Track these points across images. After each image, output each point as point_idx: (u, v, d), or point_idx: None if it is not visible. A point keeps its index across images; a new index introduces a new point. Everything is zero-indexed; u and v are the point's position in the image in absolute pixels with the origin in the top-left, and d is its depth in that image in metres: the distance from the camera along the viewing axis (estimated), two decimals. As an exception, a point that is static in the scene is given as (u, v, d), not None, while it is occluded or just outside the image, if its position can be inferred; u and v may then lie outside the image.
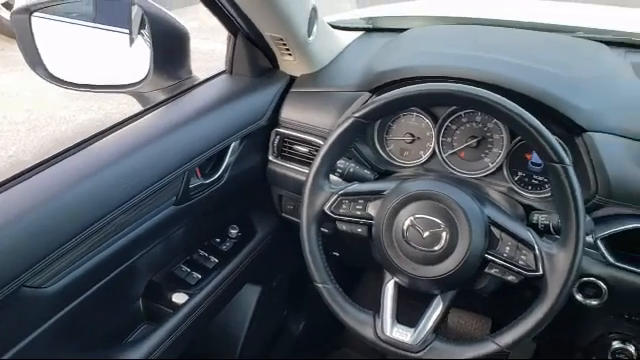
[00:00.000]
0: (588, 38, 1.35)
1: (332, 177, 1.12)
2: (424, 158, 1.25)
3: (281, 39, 1.25)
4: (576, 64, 1.19)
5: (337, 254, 1.52)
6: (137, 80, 1.23)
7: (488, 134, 1.19)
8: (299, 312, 1.83)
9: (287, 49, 1.29)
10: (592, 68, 1.19)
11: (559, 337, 1.35)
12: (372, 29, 1.51)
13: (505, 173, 1.18)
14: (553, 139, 0.92)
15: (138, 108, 1.22)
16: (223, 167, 1.25)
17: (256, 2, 1.14)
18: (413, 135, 1.26)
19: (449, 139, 1.23)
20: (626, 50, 1.32)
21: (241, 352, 1.54)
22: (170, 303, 1.22)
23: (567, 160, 0.91)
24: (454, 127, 1.22)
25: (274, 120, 1.33)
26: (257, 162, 1.36)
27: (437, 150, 1.23)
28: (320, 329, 1.86)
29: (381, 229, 1.01)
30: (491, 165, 1.19)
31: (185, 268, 1.29)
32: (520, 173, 1.18)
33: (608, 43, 1.31)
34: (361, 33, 1.50)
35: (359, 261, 1.54)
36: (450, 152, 1.22)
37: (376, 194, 1.05)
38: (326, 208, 1.05)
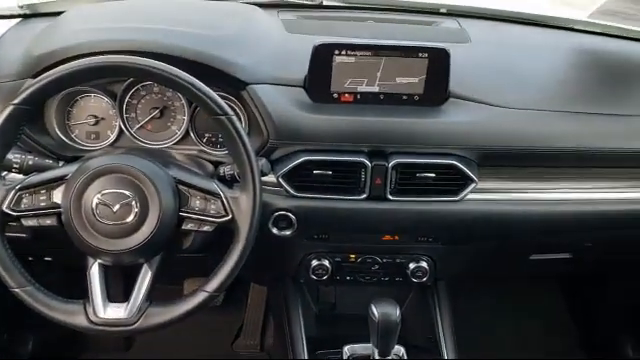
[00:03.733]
0: (246, 3, 1.48)
1: (11, 175, 1.05)
2: (112, 137, 1.24)
3: None
4: (229, 25, 1.29)
5: (49, 259, 1.43)
6: None
7: (169, 103, 1.24)
8: (24, 330, 1.67)
9: None
10: (245, 27, 1.30)
11: (272, 269, 1.50)
12: (29, 15, 1.41)
13: (193, 137, 1.25)
14: (212, 93, 1.00)
15: None
16: None
17: None
18: (97, 116, 1.23)
19: (133, 114, 1.24)
20: (279, 10, 1.49)
21: None
22: None
23: (229, 111, 1.00)
24: (135, 102, 1.23)
25: None
26: None
27: (123, 127, 1.23)
28: (56, 340, 1.72)
29: (70, 214, 0.98)
30: (178, 132, 1.24)
31: None
32: (207, 135, 1.25)
33: (261, 5, 1.46)
34: (17, 20, 1.39)
35: (72, 260, 1.47)
36: (137, 127, 1.24)
37: (59, 180, 1.01)
38: (4, 207, 0.98)
